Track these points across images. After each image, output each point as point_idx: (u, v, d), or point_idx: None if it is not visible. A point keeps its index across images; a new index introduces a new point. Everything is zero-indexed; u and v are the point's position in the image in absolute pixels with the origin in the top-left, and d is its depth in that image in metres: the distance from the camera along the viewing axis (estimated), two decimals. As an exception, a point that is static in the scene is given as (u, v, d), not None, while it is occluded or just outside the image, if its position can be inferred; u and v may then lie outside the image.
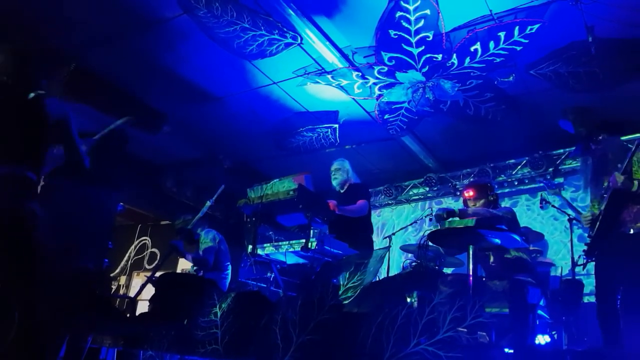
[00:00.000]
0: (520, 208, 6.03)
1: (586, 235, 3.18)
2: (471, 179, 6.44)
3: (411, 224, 6.12)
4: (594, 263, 2.81)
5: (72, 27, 4.39)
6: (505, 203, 6.06)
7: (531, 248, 4.29)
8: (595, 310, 2.71)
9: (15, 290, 1.96)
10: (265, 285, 3.35)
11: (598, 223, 2.71)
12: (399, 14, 3.92)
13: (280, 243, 2.96)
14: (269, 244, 3.01)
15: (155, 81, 5.10)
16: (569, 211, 4.31)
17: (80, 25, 4.38)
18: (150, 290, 4.02)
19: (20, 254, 1.90)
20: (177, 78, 5.04)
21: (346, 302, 1.97)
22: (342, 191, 3.90)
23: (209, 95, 5.35)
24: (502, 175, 6.20)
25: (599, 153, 2.80)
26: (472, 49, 4.24)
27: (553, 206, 4.58)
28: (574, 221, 4.16)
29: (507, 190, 6.24)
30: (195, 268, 4.70)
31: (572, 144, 5.75)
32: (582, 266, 2.99)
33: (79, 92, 4.59)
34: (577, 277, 4.09)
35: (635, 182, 2.58)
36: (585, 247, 2.81)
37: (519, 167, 6.10)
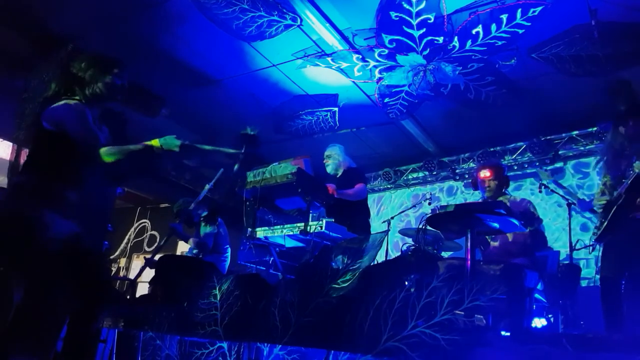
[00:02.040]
0: (524, 192, 6.04)
1: (589, 220, 3.15)
2: (471, 164, 6.44)
3: (410, 208, 6.14)
4: (600, 247, 2.80)
5: (69, 8, 4.31)
6: (509, 187, 6.07)
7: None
8: (599, 294, 2.72)
9: (16, 274, 1.96)
10: (264, 268, 3.36)
11: (615, 207, 2.69)
12: (400, -5, 3.86)
13: (278, 226, 2.96)
14: (267, 227, 3.01)
15: (153, 64, 5.02)
16: (570, 198, 4.29)
17: (78, 7, 4.30)
18: (149, 273, 4.04)
19: (24, 250, 1.90)
20: (175, 60, 4.97)
21: (344, 285, 1.98)
22: (337, 176, 3.96)
23: (207, 77, 5.29)
24: (505, 158, 6.19)
25: (630, 132, 2.75)
26: (473, 31, 4.18)
27: (555, 192, 4.56)
28: (572, 206, 4.16)
29: (510, 174, 6.24)
30: (194, 251, 4.72)
31: (571, 129, 5.74)
32: (590, 247, 2.97)
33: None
34: (574, 262, 4.12)
35: None
36: (596, 231, 2.79)
37: (519, 151, 6.09)
